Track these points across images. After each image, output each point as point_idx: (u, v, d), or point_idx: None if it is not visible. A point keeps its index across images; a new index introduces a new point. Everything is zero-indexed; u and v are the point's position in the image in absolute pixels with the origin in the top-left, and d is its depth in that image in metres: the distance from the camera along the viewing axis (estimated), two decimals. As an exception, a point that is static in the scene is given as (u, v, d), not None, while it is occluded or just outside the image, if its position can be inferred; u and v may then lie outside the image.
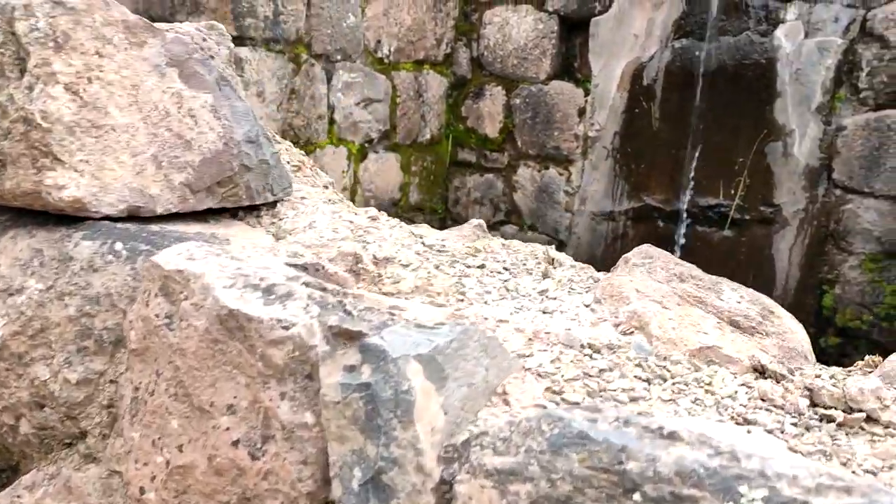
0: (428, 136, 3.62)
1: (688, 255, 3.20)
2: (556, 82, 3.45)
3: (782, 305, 2.91)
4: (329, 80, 3.07)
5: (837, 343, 3.01)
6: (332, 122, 3.13)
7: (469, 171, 3.71)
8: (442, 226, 3.77)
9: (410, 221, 3.61)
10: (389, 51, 3.31)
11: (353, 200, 3.29)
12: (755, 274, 3.12)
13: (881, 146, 2.86)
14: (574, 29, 3.45)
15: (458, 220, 3.75)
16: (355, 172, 3.28)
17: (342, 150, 3.20)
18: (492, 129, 3.62)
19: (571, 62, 3.50)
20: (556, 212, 3.50)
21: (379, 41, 3.25)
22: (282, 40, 2.83)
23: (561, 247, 3.51)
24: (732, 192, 3.13)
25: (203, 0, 2.75)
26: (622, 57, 3.26)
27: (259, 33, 2.75)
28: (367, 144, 3.31)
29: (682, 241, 3.19)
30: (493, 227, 3.67)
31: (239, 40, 2.74)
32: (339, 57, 3.09)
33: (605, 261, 3.36)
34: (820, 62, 2.93)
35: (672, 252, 3.22)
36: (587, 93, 3.38)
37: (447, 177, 3.76)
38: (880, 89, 2.88)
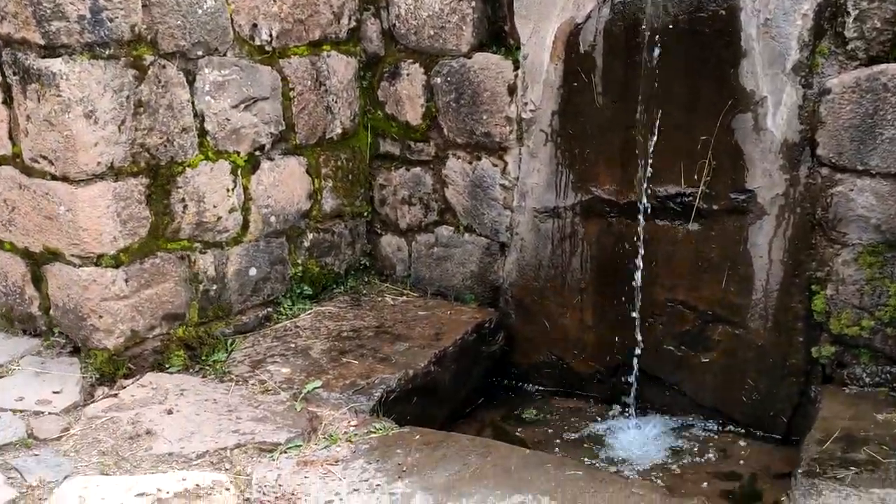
0: (339, 131, 3.05)
1: (650, 256, 2.66)
2: (481, 55, 2.85)
3: (764, 309, 2.37)
4: (191, 82, 2.51)
5: (833, 353, 2.48)
6: (203, 133, 2.57)
7: (394, 165, 3.15)
8: (370, 230, 3.25)
9: (329, 232, 3.09)
10: (271, 35, 2.72)
11: (246, 222, 2.76)
12: (730, 274, 2.58)
13: (876, 112, 2.26)
14: (499, -14, 2.84)
15: (388, 224, 3.22)
16: (245, 188, 2.74)
17: (223, 166, 2.65)
18: (413, 115, 3.04)
19: (501, 28, 2.89)
20: (494, 209, 2.95)
21: (255, 25, 2.66)
22: (111, 42, 2.26)
23: (503, 249, 2.97)
24: (696, 177, 2.56)
25: (2, 5, 2.19)
26: (553, 18, 2.66)
27: (75, 38, 2.18)
28: (257, 153, 2.76)
29: (641, 240, 2.64)
30: (427, 229, 3.13)
31: (49, 50, 2.18)
32: (200, 52, 2.51)
33: (553, 266, 2.83)
34: (794, 8, 2.32)
35: (635, 253, 2.67)
36: (517, 65, 2.79)
37: (370, 174, 3.21)
38: (872, 38, 2.27)
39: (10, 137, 2.38)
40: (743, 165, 2.47)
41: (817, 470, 1.96)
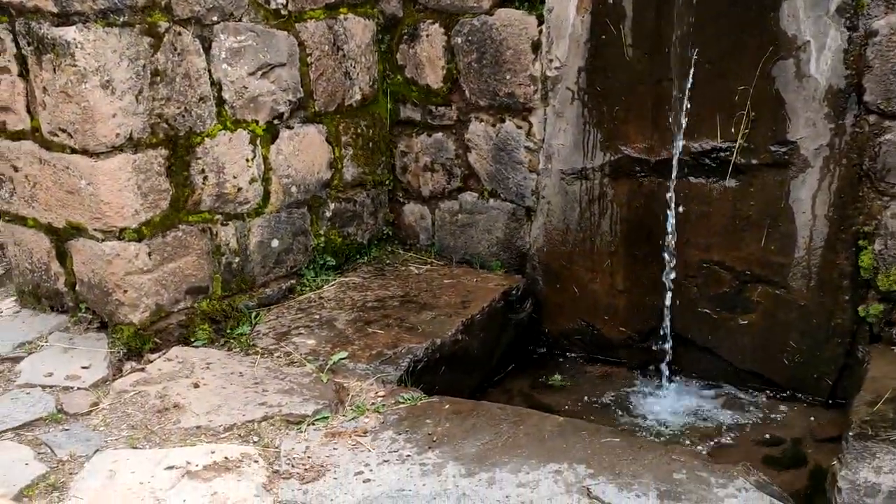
0: (358, 97, 2.98)
1: (682, 216, 2.55)
2: (503, 11, 2.74)
3: (807, 268, 2.27)
4: (207, 49, 2.45)
5: (881, 311, 2.37)
6: (220, 102, 2.52)
7: (415, 131, 3.07)
8: (391, 199, 3.18)
9: (351, 202, 3.03)
10: (287, -1, 2.64)
11: (267, 193, 2.71)
12: (770, 231, 2.47)
13: (927, 54, 2.13)
14: (522, -63, 2.72)
15: (410, 192, 3.15)
16: (265, 158, 2.69)
17: (242, 135, 2.60)
18: (434, 78, 2.95)
19: (523, -19, 2.78)
20: (519, 173, 2.86)
21: (270, -11, 2.59)
22: (125, 9, 2.20)
23: (529, 214, 2.89)
24: (733, 130, 2.44)
25: (11, -28, 2.13)
26: (578, -30, 2.54)
27: (88, 5, 2.12)
28: (275, 121, 2.70)
29: (674, 199, 2.53)
30: (450, 196, 3.05)
31: (63, 18, 2.13)
32: (215, 18, 2.45)
33: (581, 230, 2.74)
34: (836, -54, 2.18)
35: (666, 215, 2.58)
36: (541, 21, 2.68)
37: (391, 141, 3.13)
38: (922, -25, 2.13)
39: (29, 111, 2.35)
40: (784, 115, 2.35)
41: (869, 432, 1.87)
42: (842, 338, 2.44)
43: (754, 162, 2.44)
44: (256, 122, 2.63)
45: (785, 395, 2.56)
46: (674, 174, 2.52)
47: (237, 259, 2.65)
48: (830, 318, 2.44)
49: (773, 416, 2.48)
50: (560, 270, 2.83)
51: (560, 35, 2.63)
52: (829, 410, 2.45)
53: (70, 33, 2.13)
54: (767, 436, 2.38)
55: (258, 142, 2.65)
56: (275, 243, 2.76)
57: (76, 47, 2.13)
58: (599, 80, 2.61)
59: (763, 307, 2.54)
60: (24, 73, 2.30)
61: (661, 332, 2.68)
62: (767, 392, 2.60)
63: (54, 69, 2.19)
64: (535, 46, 2.71)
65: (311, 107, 2.81)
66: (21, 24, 2.23)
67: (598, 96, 2.63)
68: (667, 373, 2.70)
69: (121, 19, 2.20)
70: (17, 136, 2.40)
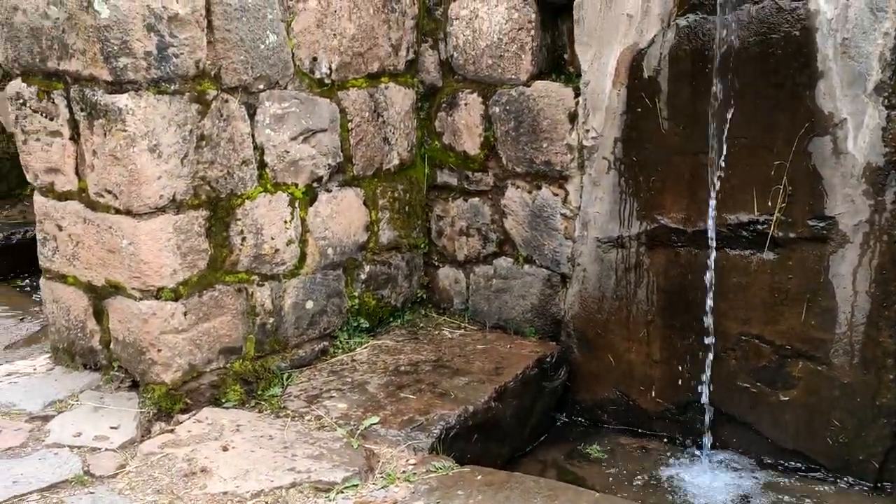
0: (396, 162, 3.03)
1: (722, 288, 2.52)
2: (540, 83, 2.80)
3: (849, 344, 2.20)
4: (252, 115, 2.52)
5: (928, 392, 2.30)
6: (262, 165, 2.57)
7: (452, 196, 3.10)
8: (426, 262, 3.19)
9: (386, 264, 3.04)
10: (330, 68, 2.72)
11: (304, 254, 2.74)
12: (809, 306, 2.42)
13: (970, 132, 2.11)
14: (560, 13, 2.79)
15: (445, 255, 3.16)
16: (303, 220, 2.73)
17: (281, 198, 2.64)
18: (471, 145, 3.00)
19: (561, 55, 2.85)
20: (555, 240, 2.86)
21: (315, 59, 2.67)
22: (176, 78, 2.28)
23: (564, 281, 2.88)
24: (770, 203, 2.43)
25: (70, 43, 2.24)
26: (615, 44, 2.58)
27: (142, 74, 2.21)
28: (314, 184, 2.75)
29: (711, 271, 2.51)
30: (485, 261, 3.06)
31: (116, 86, 2.21)
32: (261, 86, 2.52)
33: (617, 298, 2.72)
34: (874, 27, 2.20)
35: (703, 288, 2.55)
36: (577, 93, 2.72)
37: (427, 205, 3.16)
38: (963, 54, 2.13)
39: (77, 173, 2.42)
40: (822, 191, 2.33)
41: (920, 522, 1.79)
42: (888, 418, 2.36)
43: (792, 235, 2.42)
44: (296, 184, 2.68)
45: (829, 476, 2.47)
46: (711, 245, 2.50)
47: (271, 320, 2.67)
48: (875, 396, 2.36)
49: (815, 498, 2.38)
50: (595, 339, 2.80)
51: (596, 107, 2.66)
52: (876, 495, 2.35)
53: (122, 100, 2.21)
54: (810, 518, 2.29)
55: (297, 204, 2.70)
56: (309, 304, 2.78)
57: (127, 113, 2.21)
58: (635, 151, 2.63)
59: (805, 383, 2.48)
60: (74, 137, 2.39)
61: (699, 406, 2.62)
62: (810, 473, 2.50)
63: (105, 133, 2.27)
64: (572, 117, 2.74)
65: (350, 171, 2.86)
66: (76, 90, 2.32)
67: (634, 166, 2.64)
68: (705, 448, 2.63)
69: (171, 87, 2.28)
70: (64, 196, 2.47)
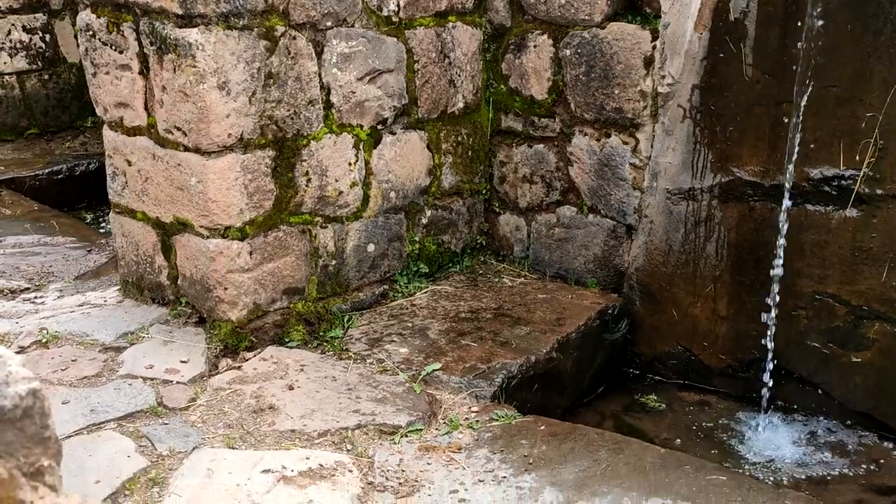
0: (461, 105, 2.95)
1: (795, 245, 2.43)
2: (615, 24, 2.67)
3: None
4: (319, 54, 2.47)
5: None
6: (328, 105, 2.53)
7: (515, 142, 3.03)
8: (487, 209, 3.14)
9: (447, 210, 3.01)
10: (398, 5, 2.64)
11: (367, 197, 2.71)
12: (892, 266, 2.32)
13: None
14: (638, -51, 2.64)
15: (507, 202, 3.10)
16: (367, 162, 2.69)
17: (346, 139, 2.61)
18: (538, 89, 2.90)
19: (637, -6, 2.71)
20: (622, 190, 2.78)
21: (382, -5, 2.59)
22: (245, 13, 2.23)
23: (629, 232, 2.81)
24: (858, 157, 2.30)
25: (141, -27, 2.19)
26: (700, -16, 2.44)
27: (212, 8, 2.17)
28: (379, 126, 2.70)
29: (786, 226, 2.41)
30: (548, 209, 3.00)
31: (186, 20, 2.18)
32: (329, 23, 2.46)
33: (685, 252, 2.65)
34: None
35: (774, 244, 2.46)
36: (655, 36, 2.59)
37: (490, 150, 3.10)
38: None
39: (146, 108, 2.41)
40: (917, 146, 2.21)
41: None
42: (968, 385, 2.28)
43: (879, 192, 2.30)
44: (361, 126, 2.64)
45: (898, 440, 2.42)
46: (788, 200, 2.40)
47: (333, 262, 2.67)
48: (957, 363, 2.28)
49: (887, 463, 2.33)
50: (659, 292, 2.74)
51: (675, 51, 2.54)
52: (948, 462, 2.29)
53: (193, 35, 2.18)
54: (880, 483, 2.24)
55: (361, 146, 2.66)
56: (371, 248, 2.77)
57: (197, 49, 2.18)
58: (714, 99, 2.51)
59: (879, 345, 2.39)
60: (144, 72, 2.37)
61: (764, 363, 2.56)
62: (878, 435, 2.44)
63: (174, 69, 2.25)
64: (647, 62, 2.62)
65: (415, 113, 2.80)
66: (145, 23, 2.29)
67: (711, 115, 2.53)
68: (768, 406, 2.58)
69: (241, 22, 2.23)
70: (134, 131, 2.48)
